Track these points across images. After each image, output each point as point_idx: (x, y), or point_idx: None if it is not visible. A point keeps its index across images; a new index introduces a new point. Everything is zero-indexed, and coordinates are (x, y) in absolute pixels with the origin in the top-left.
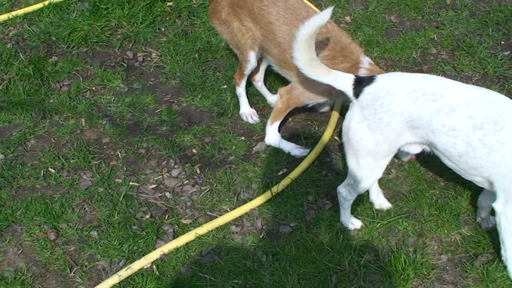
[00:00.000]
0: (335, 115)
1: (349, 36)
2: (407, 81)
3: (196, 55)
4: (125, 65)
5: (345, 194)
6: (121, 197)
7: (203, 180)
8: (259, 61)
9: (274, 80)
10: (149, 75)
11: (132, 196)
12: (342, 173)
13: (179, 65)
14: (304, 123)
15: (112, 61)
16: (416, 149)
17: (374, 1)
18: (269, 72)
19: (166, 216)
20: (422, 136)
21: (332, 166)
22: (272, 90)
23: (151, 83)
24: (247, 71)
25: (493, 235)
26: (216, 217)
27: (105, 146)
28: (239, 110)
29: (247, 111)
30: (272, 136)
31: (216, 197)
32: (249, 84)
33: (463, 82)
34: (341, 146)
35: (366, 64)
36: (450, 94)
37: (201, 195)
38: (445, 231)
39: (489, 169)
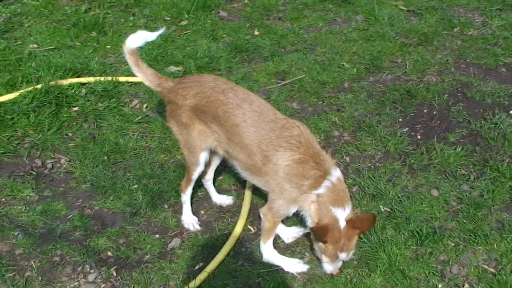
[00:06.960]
0: (246, 206)
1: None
2: None
3: (105, 157)
4: (35, 173)
5: None
6: None
7: (120, 282)
8: (210, 161)
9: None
10: (59, 181)
11: None
12: (257, 261)
13: (89, 169)
14: (217, 215)
15: (21, 171)
16: None
17: (276, 90)
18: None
19: None
20: None
21: (247, 255)
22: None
23: (62, 189)
24: (195, 175)
25: None
26: None
27: (18, 257)
28: (152, 208)
29: (189, 219)
30: (269, 254)
31: None
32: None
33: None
34: (254, 235)
35: (334, 178)
36: None
37: None
38: None
39: None
